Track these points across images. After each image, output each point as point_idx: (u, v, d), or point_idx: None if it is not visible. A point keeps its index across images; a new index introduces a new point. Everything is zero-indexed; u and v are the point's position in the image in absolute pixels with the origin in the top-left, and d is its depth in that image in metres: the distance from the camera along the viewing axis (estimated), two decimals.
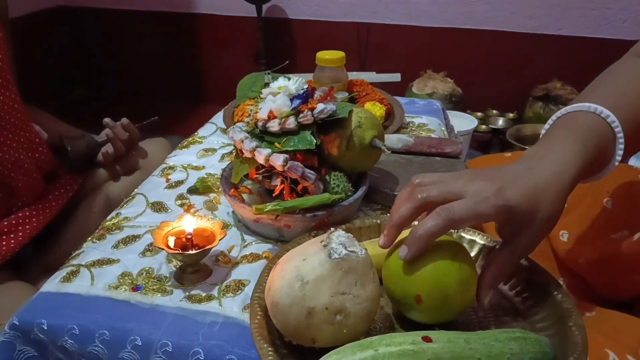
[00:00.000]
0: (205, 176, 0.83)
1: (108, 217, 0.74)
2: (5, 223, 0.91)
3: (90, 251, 0.66)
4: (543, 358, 0.44)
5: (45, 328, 0.55)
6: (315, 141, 0.64)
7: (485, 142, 2.25)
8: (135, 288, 0.59)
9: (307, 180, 0.62)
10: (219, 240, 0.59)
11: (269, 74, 0.95)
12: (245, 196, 0.71)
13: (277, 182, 0.64)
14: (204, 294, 0.58)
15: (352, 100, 1.00)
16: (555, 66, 2.16)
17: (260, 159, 0.62)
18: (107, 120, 1.06)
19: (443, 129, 1.05)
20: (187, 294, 0.59)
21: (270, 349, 0.47)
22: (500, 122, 2.24)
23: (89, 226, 0.92)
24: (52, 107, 1.23)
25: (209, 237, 0.61)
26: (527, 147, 1.93)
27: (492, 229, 0.59)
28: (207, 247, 0.59)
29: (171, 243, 0.60)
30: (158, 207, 0.76)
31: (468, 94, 2.23)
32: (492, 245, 0.59)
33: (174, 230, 0.62)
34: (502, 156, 0.95)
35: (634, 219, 0.66)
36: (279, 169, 0.61)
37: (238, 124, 0.68)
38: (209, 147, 0.94)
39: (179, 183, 0.82)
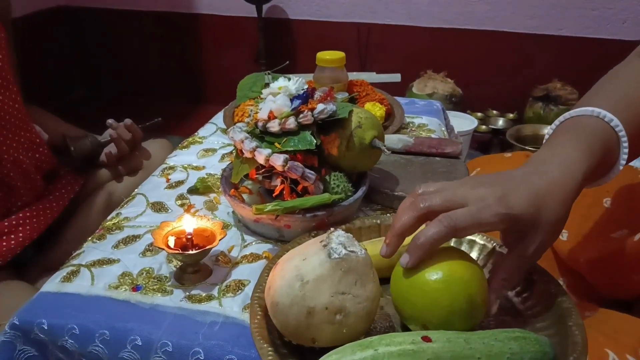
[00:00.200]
0: (206, 176, 0.83)
1: (108, 217, 0.74)
2: (6, 223, 0.91)
3: (91, 251, 0.66)
4: (543, 358, 0.44)
5: (46, 328, 0.55)
6: (315, 141, 0.64)
7: (486, 143, 2.25)
8: (136, 288, 0.59)
9: (307, 180, 0.62)
10: (219, 240, 0.60)
11: (269, 74, 0.95)
12: (245, 196, 0.71)
13: (277, 182, 0.64)
14: (204, 294, 0.58)
15: (352, 100, 1.00)
16: (556, 66, 2.16)
17: (261, 159, 0.62)
18: (110, 121, 1.06)
19: (443, 129, 1.05)
20: (187, 293, 0.59)
21: (270, 348, 0.47)
22: (501, 122, 2.24)
23: (90, 226, 0.91)
24: (52, 107, 1.23)
25: (209, 237, 0.61)
26: (527, 148, 1.93)
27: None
28: (207, 247, 0.59)
29: (171, 243, 0.61)
30: (158, 207, 0.76)
31: (468, 94, 2.23)
32: (492, 246, 0.59)
33: (174, 230, 0.62)
34: (502, 156, 0.95)
35: (634, 218, 0.66)
36: (279, 169, 0.61)
37: (238, 124, 0.68)
38: (209, 147, 0.94)
39: (179, 183, 0.82)
